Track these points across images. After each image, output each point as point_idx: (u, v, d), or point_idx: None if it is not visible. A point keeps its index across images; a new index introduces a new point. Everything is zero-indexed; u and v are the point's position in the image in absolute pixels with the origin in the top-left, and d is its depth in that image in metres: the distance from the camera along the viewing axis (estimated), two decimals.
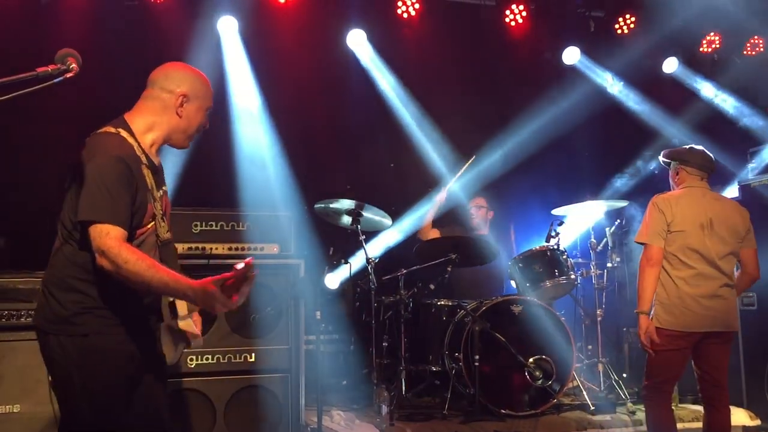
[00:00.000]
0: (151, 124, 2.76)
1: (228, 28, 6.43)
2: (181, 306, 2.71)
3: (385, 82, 6.97)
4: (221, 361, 4.29)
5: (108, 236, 2.45)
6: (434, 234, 6.28)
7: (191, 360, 4.22)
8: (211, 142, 6.19)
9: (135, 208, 2.57)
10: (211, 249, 4.39)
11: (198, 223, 4.40)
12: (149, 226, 2.67)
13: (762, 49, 7.45)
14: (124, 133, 2.66)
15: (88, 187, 2.50)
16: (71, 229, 2.58)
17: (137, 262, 2.43)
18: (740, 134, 7.28)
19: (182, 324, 2.72)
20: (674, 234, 3.98)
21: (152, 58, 5.91)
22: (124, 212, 2.52)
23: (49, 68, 2.42)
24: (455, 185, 6.41)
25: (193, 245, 4.36)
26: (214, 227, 4.45)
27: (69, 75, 2.43)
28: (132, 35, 5.96)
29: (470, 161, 6.35)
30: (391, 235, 6.17)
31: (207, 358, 4.27)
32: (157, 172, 2.77)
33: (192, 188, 5.71)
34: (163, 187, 2.82)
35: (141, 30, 6.04)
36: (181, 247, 4.31)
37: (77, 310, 2.55)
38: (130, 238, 2.57)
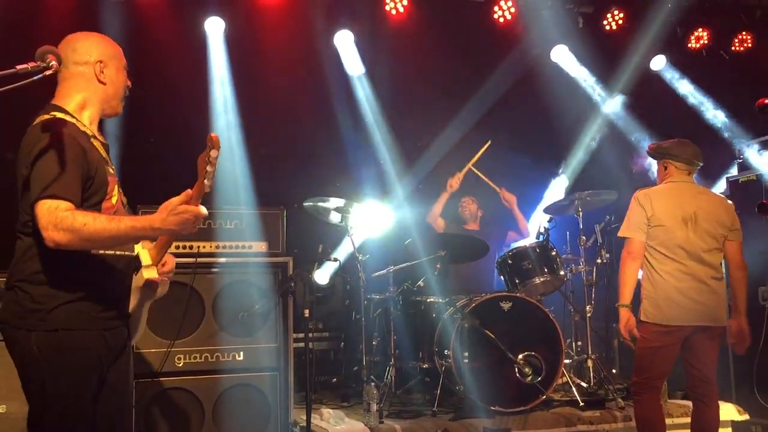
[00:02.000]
0: (83, 101, 2.68)
1: (215, 29, 6.41)
2: (145, 256, 2.66)
3: (370, 80, 6.96)
4: (209, 359, 4.28)
5: (57, 209, 2.36)
6: (440, 223, 6.31)
7: (179, 359, 4.20)
8: (197, 141, 6.21)
9: (94, 180, 2.52)
10: (198, 247, 4.37)
11: None
12: (114, 196, 2.64)
13: (750, 45, 7.47)
14: (60, 114, 2.57)
15: (36, 170, 2.43)
16: (27, 220, 2.50)
17: (96, 218, 2.39)
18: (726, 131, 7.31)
19: (146, 273, 2.66)
20: (655, 228, 3.99)
21: (138, 56, 5.91)
22: (74, 186, 2.44)
23: (29, 66, 2.39)
24: (470, 171, 6.39)
25: (181, 243, 4.35)
26: (201, 225, 4.39)
27: (48, 72, 2.40)
28: (118, 33, 5.91)
29: (485, 146, 6.32)
30: (379, 232, 6.14)
31: (195, 357, 4.25)
32: (107, 148, 2.72)
33: (178, 187, 5.67)
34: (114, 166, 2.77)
35: (127, 28, 5.99)
36: None
37: (49, 304, 2.49)
38: (93, 208, 2.51)
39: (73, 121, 2.60)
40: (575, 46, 7.34)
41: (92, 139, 2.63)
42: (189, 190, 2.47)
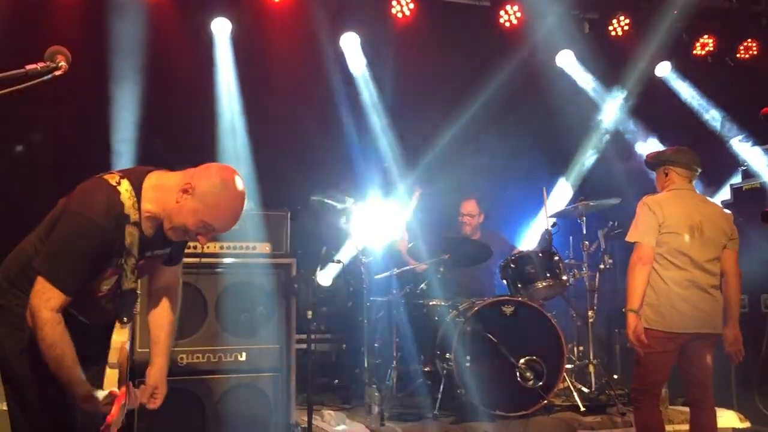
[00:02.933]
0: (156, 196, 2.62)
1: (221, 30, 6.43)
2: (109, 378, 2.60)
3: (376, 83, 6.98)
4: (212, 360, 4.28)
5: (47, 301, 2.42)
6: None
7: (181, 359, 4.21)
8: (203, 143, 6.24)
9: (96, 268, 2.54)
10: (202, 248, 4.35)
11: None
12: (107, 285, 2.63)
13: (755, 52, 7.47)
14: (125, 186, 2.56)
15: (58, 241, 2.49)
16: (34, 253, 2.57)
17: (51, 346, 2.42)
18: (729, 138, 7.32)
19: (108, 372, 2.60)
20: (664, 235, 3.99)
21: (144, 57, 5.95)
22: (77, 281, 2.48)
23: (38, 66, 2.41)
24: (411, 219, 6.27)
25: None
26: None
27: (58, 73, 2.42)
28: (125, 34, 5.94)
29: (416, 196, 6.24)
30: (383, 234, 6.14)
31: (197, 357, 4.26)
32: (148, 240, 2.65)
33: None
34: (159, 251, 2.74)
35: (134, 28, 6.02)
36: None
37: (19, 307, 2.53)
38: (83, 291, 2.54)
39: (128, 200, 2.54)
40: (581, 52, 7.35)
41: (129, 225, 2.54)
42: (119, 398, 2.51)
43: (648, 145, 7.37)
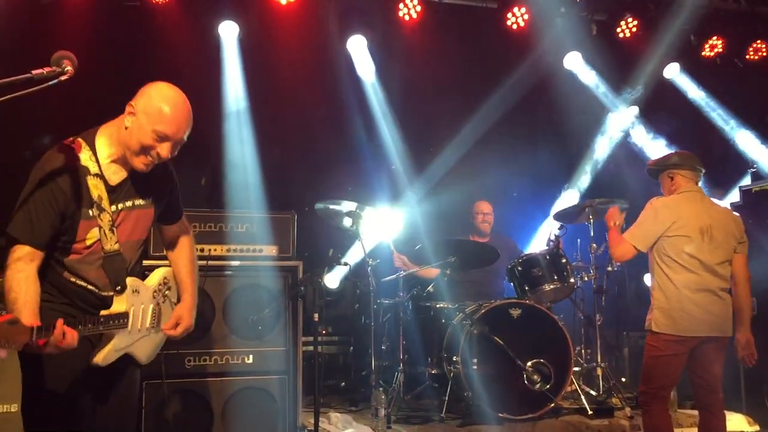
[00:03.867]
0: (109, 136, 2.75)
1: (229, 33, 6.46)
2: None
3: (382, 85, 6.99)
4: (219, 362, 4.30)
5: (12, 253, 2.56)
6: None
7: (189, 361, 4.22)
8: (210, 145, 6.26)
9: (64, 223, 2.62)
10: (210, 250, 4.40)
11: (197, 225, 4.41)
12: (90, 239, 2.69)
13: (764, 54, 7.43)
14: (80, 144, 2.69)
15: (19, 201, 2.60)
16: None
17: (8, 290, 2.52)
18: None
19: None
20: (674, 238, 3.97)
21: (152, 60, 5.99)
22: (37, 231, 2.58)
23: (45, 71, 2.43)
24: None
25: None
26: (213, 228, 4.46)
27: (64, 77, 2.43)
28: (132, 37, 5.97)
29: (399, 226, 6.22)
30: (389, 237, 6.14)
31: (205, 360, 4.27)
32: (116, 189, 2.74)
33: (191, 190, 5.71)
34: (130, 202, 2.79)
35: (142, 32, 6.05)
36: None
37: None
38: (65, 252, 2.66)
39: (85, 154, 2.66)
40: (588, 54, 7.33)
41: (91, 177, 2.66)
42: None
43: (656, 147, 7.34)
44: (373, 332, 5.48)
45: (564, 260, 5.56)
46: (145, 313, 2.86)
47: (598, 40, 7.20)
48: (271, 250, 4.55)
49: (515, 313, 5.20)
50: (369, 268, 5.43)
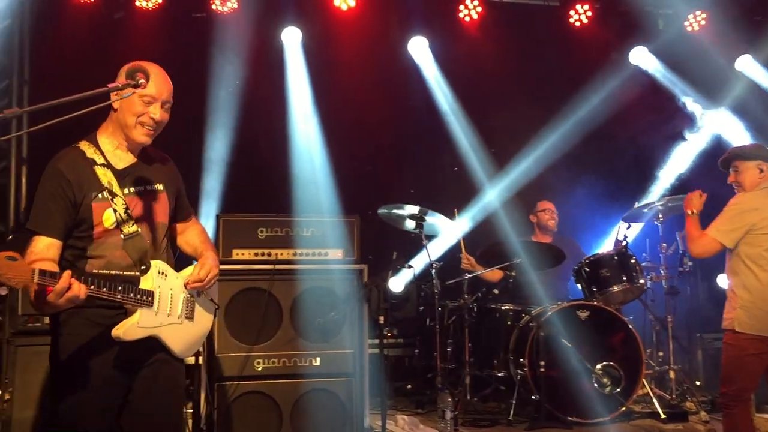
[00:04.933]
0: (106, 129, 2.84)
1: (292, 39, 6.57)
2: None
3: (444, 86, 6.97)
4: (287, 364, 4.36)
5: (32, 246, 2.67)
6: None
7: (258, 363, 4.31)
8: (276, 150, 6.38)
9: (79, 210, 2.73)
10: (276, 254, 4.47)
11: (264, 229, 4.49)
12: (107, 221, 2.76)
13: None
14: (82, 143, 2.82)
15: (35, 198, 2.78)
16: None
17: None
18: None
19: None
20: (763, 235, 3.83)
21: (219, 69, 6.13)
22: (55, 221, 2.70)
23: (119, 83, 2.53)
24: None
25: (259, 251, 4.46)
26: (279, 233, 4.53)
27: (138, 90, 2.53)
28: (200, 47, 6.14)
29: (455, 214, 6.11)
30: (453, 240, 6.13)
31: (273, 362, 4.35)
32: (124, 173, 2.83)
33: (257, 195, 5.85)
34: (142, 186, 2.87)
35: (209, 41, 6.21)
36: (247, 253, 4.42)
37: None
38: (85, 237, 2.75)
39: (88, 148, 2.79)
40: (656, 48, 7.15)
41: (98, 167, 2.77)
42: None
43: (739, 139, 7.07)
44: (438, 335, 5.48)
45: (633, 260, 5.43)
46: (175, 300, 2.87)
47: (666, 34, 7.02)
48: (337, 254, 4.60)
49: (583, 315, 5.12)
50: (433, 271, 5.43)
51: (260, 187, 6.07)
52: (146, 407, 2.83)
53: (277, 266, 4.39)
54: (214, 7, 6.32)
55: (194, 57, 6.01)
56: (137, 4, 6.14)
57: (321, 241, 4.57)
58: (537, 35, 6.95)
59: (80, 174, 2.74)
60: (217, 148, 6.13)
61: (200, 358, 4.18)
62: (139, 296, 2.71)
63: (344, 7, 6.55)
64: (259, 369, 4.31)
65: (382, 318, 4.44)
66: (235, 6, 6.34)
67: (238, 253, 4.43)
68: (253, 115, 6.23)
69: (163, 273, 2.83)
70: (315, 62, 6.60)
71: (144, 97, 2.73)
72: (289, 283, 4.43)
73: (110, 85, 2.56)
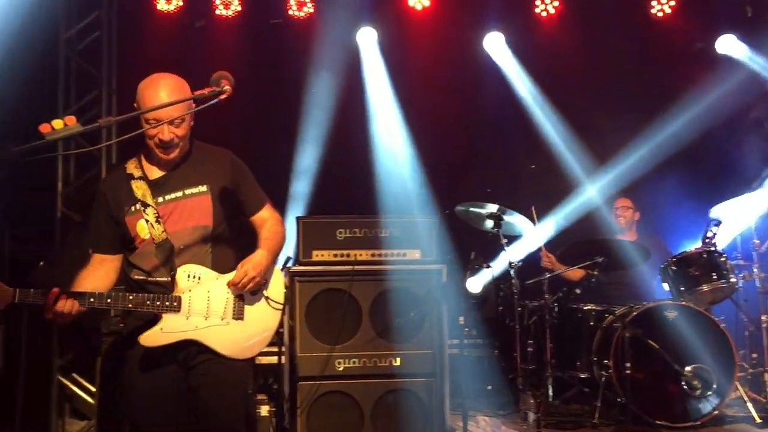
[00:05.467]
0: (146, 146, 2.93)
1: (367, 39, 6.62)
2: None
3: (523, 83, 6.87)
4: (367, 364, 4.39)
5: (89, 261, 2.98)
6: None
7: (339, 363, 4.35)
8: (353, 151, 6.44)
9: (119, 225, 2.93)
10: (355, 255, 4.50)
11: (342, 230, 4.53)
12: (141, 232, 2.90)
13: None
14: (130, 160, 3.00)
15: None
16: None
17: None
18: None
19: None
20: None
21: (297, 73, 6.24)
22: (94, 237, 3.00)
23: (205, 91, 2.60)
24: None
25: (338, 252, 4.50)
26: (357, 234, 4.56)
27: (223, 96, 2.59)
28: (278, 52, 6.25)
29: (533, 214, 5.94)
30: (533, 239, 6.02)
31: (354, 362, 4.38)
32: (159, 182, 2.94)
33: (337, 196, 5.91)
34: (179, 192, 2.94)
35: (287, 47, 6.32)
36: (326, 254, 4.47)
37: None
38: (131, 248, 2.93)
39: (129, 163, 2.97)
40: (745, 36, 6.83)
41: (135, 180, 2.92)
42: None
43: None
44: (519, 335, 5.40)
45: (723, 258, 5.21)
46: (214, 302, 2.89)
47: (756, 21, 6.70)
48: (415, 254, 4.59)
49: (671, 315, 4.95)
50: (512, 271, 5.36)
51: (342, 189, 6.15)
52: (201, 407, 2.90)
53: (356, 267, 4.42)
54: (291, 12, 6.43)
55: (274, 62, 6.13)
56: (217, 12, 6.31)
57: (399, 242, 4.58)
58: (617, 28, 6.75)
59: (118, 191, 2.93)
60: (300, 151, 6.24)
61: (283, 358, 4.24)
62: (162, 303, 2.82)
63: (419, 7, 6.55)
64: (340, 369, 4.35)
65: (461, 318, 4.41)
66: (311, 10, 6.43)
67: (318, 255, 4.49)
68: (334, 117, 6.29)
69: (195, 277, 2.89)
70: (391, 62, 6.62)
71: (149, 120, 2.79)
72: (368, 283, 4.45)
73: (196, 93, 2.64)
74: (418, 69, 6.64)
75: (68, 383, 5.25)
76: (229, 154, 3.08)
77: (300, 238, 4.48)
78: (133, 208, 2.90)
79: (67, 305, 2.67)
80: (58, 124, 2.26)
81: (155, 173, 2.95)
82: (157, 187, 2.92)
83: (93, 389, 5.16)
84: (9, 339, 5.07)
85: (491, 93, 6.86)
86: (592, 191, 6.65)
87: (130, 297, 2.79)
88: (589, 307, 5.44)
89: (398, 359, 4.42)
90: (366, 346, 4.40)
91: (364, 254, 4.52)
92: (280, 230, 3.14)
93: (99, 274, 2.93)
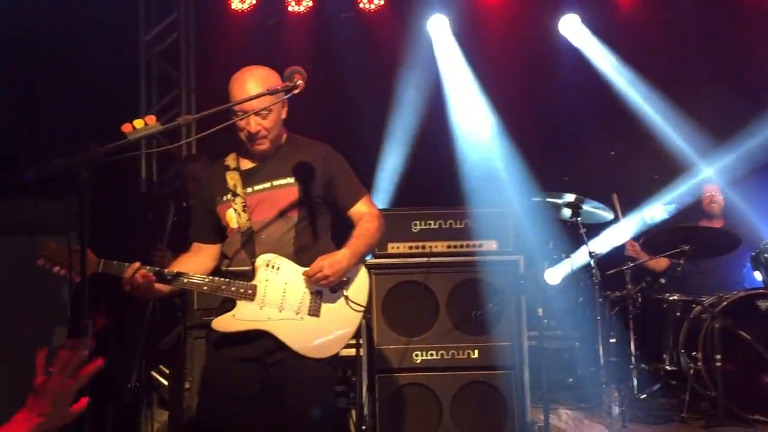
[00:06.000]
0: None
1: (439, 27, 6.56)
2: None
3: (605, 65, 6.63)
4: (445, 357, 4.35)
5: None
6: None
7: (416, 356, 4.33)
8: (428, 142, 6.40)
9: (213, 215, 3.03)
10: (431, 247, 4.48)
11: (417, 222, 4.51)
12: (230, 221, 2.98)
13: None
14: (230, 154, 3.09)
15: None
16: None
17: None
18: None
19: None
20: None
21: (370, 65, 6.25)
22: (193, 226, 3.13)
23: (279, 86, 2.62)
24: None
25: (413, 244, 4.48)
26: (432, 225, 4.53)
27: (296, 91, 2.61)
28: (350, 46, 6.28)
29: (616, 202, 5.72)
30: (614, 228, 5.85)
31: (431, 354, 4.36)
32: (250, 173, 3.01)
33: (412, 187, 5.89)
34: (268, 183, 2.98)
35: (358, 40, 6.34)
36: (402, 247, 4.46)
37: None
38: (225, 238, 3.01)
39: (228, 156, 3.07)
40: None
41: (229, 171, 3.01)
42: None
43: None
44: (600, 327, 5.25)
45: None
46: (290, 295, 2.86)
47: None
48: (491, 245, 4.53)
49: (763, 305, 4.72)
50: (592, 261, 5.21)
51: (422, 181, 6.14)
52: (277, 404, 2.88)
53: (432, 259, 4.39)
54: (361, 5, 6.44)
55: (347, 57, 6.16)
56: (290, 9, 6.38)
57: (475, 233, 4.52)
58: (704, 8, 6.43)
59: (213, 182, 3.03)
60: (380, 144, 6.26)
61: (361, 350, 4.26)
62: (236, 289, 2.84)
63: None
64: (418, 361, 4.34)
65: (540, 310, 4.33)
66: (382, 2, 6.42)
67: (393, 247, 4.48)
68: (413, 108, 6.28)
69: (274, 267, 2.88)
70: (465, 49, 6.54)
71: (236, 113, 2.85)
72: (444, 275, 4.42)
73: (270, 88, 2.66)
74: (493, 54, 6.53)
75: (155, 374, 5.44)
76: (325, 148, 3.09)
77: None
78: (224, 198, 2.98)
79: (145, 280, 2.75)
80: (139, 123, 2.32)
81: (248, 164, 3.03)
82: (247, 178, 2.99)
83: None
84: (99, 332, 5.30)
85: (570, 77, 6.67)
86: (708, 172, 6.32)
87: (206, 279, 2.84)
88: (674, 298, 5.24)
89: (476, 351, 4.36)
90: (443, 339, 4.37)
91: (439, 246, 4.49)
92: (374, 227, 3.05)
93: (194, 261, 3.03)
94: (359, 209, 3.07)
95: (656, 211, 6.06)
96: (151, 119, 2.35)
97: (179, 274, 2.83)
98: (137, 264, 2.77)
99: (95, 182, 2.05)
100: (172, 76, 5.83)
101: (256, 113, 2.83)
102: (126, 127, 2.31)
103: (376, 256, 4.43)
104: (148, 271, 2.76)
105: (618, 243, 5.86)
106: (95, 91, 5.49)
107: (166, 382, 5.47)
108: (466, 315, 4.39)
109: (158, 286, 2.82)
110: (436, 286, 4.39)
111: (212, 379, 2.98)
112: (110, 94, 5.46)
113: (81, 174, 2.06)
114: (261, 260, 2.88)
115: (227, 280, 2.86)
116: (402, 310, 4.34)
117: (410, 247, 4.47)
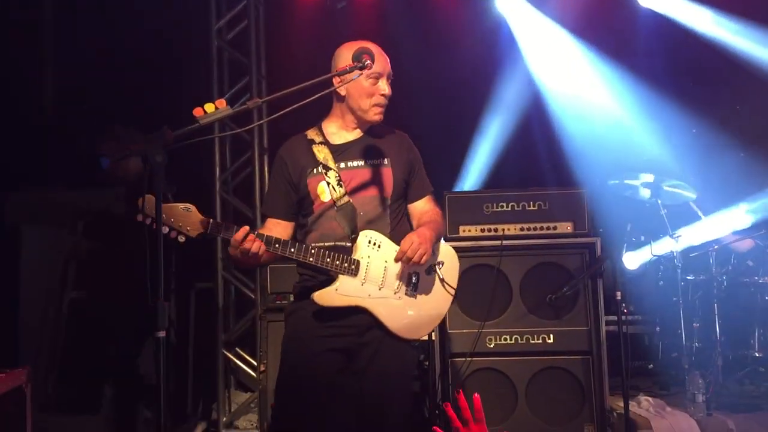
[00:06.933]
0: (331, 117, 3.01)
1: (510, 7, 6.37)
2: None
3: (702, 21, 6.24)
4: (519, 341, 4.29)
5: (263, 225, 3.05)
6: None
7: (490, 340, 4.28)
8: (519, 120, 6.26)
9: (299, 188, 2.94)
10: (503, 230, 4.40)
11: (489, 205, 4.44)
12: (321, 194, 2.90)
13: None
14: (310, 129, 3.02)
15: None
16: None
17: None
18: None
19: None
20: None
21: (437, 45, 6.15)
22: (272, 202, 3.02)
23: (347, 66, 2.60)
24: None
25: (485, 227, 4.41)
26: (505, 208, 4.45)
27: (365, 72, 2.58)
28: (417, 26, 6.19)
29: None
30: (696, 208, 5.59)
31: (505, 339, 4.30)
32: (341, 149, 2.96)
33: (493, 169, 5.81)
34: (361, 161, 2.95)
35: (426, 20, 6.24)
36: (473, 229, 4.40)
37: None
38: (308, 211, 2.93)
39: (310, 131, 3.01)
40: None
41: (316, 145, 2.95)
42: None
43: None
44: (682, 311, 5.06)
45: None
46: (390, 274, 2.84)
47: None
48: (566, 227, 4.42)
49: None
50: (675, 240, 5.01)
51: (506, 162, 6.05)
52: (367, 387, 2.87)
53: (505, 242, 4.31)
54: None
55: (413, 37, 6.08)
56: None
57: (549, 215, 4.44)
58: None
59: (298, 155, 2.94)
60: (464, 127, 6.17)
61: (433, 335, 4.23)
62: (341, 263, 2.78)
63: None
64: (491, 346, 4.29)
65: (618, 294, 4.19)
66: None
67: (465, 230, 4.43)
68: (493, 88, 6.17)
69: (375, 243, 2.84)
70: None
71: (370, 75, 2.81)
72: (517, 258, 4.35)
73: (339, 68, 2.65)
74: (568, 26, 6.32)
75: (232, 357, 5.55)
76: (407, 137, 3.11)
77: (446, 214, 4.42)
78: (315, 170, 2.92)
79: (254, 245, 2.67)
80: (210, 107, 2.33)
81: (338, 139, 2.99)
82: (338, 153, 2.96)
83: (255, 363, 5.42)
84: (179, 317, 5.45)
85: (652, 48, 6.36)
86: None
87: (312, 251, 2.77)
88: (763, 281, 5.00)
89: (552, 336, 4.28)
90: (517, 323, 4.30)
91: (512, 228, 4.41)
92: (441, 219, 3.08)
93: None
94: (424, 204, 3.09)
95: None
96: (222, 103, 2.36)
97: (285, 242, 2.76)
98: (246, 227, 2.68)
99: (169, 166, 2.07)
100: (243, 63, 5.89)
101: (387, 77, 2.90)
102: (197, 111, 2.32)
103: (447, 240, 4.37)
104: (257, 237, 2.70)
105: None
106: (170, 78, 5.62)
107: (243, 365, 5.58)
108: (541, 299, 4.30)
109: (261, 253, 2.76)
110: (510, 270, 4.33)
111: (295, 359, 2.91)
112: (183, 82, 5.56)
113: (155, 159, 2.09)
114: (363, 236, 2.84)
115: (332, 253, 2.79)
116: (474, 294, 4.29)
117: (482, 230, 4.41)
